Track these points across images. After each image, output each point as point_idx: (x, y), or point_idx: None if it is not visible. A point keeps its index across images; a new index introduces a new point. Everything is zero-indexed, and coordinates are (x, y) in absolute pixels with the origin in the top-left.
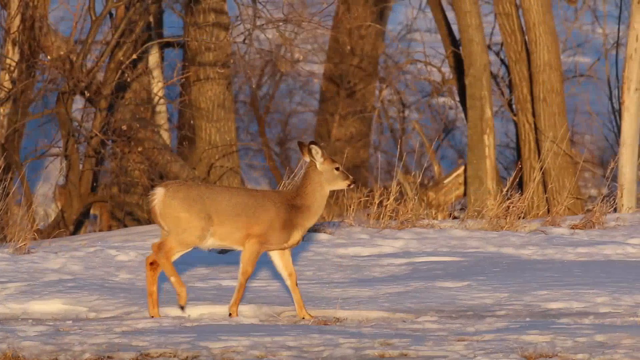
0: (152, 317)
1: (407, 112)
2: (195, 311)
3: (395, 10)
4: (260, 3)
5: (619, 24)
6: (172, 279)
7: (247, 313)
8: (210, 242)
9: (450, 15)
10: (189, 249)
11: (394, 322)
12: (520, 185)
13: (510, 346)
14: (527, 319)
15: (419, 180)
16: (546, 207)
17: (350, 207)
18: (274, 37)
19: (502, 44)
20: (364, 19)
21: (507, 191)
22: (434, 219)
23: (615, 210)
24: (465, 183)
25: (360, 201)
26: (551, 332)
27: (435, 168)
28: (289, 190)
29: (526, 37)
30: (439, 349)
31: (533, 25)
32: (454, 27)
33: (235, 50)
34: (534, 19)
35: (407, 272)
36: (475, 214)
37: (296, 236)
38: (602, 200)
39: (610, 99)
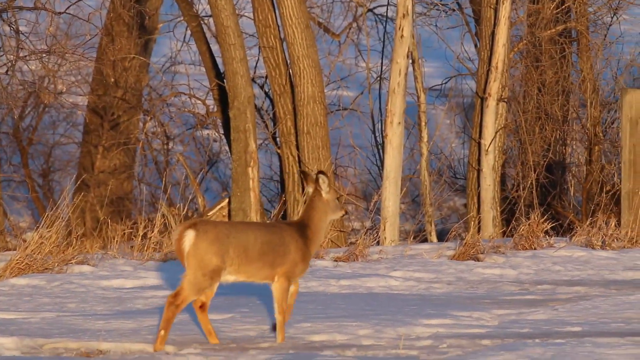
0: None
1: (171, 145)
2: None
3: (159, 42)
4: (23, 34)
5: (382, 58)
6: (163, 332)
7: (9, 345)
8: (233, 279)
9: (215, 47)
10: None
11: (157, 354)
12: (284, 218)
13: None
14: (291, 351)
15: (183, 212)
16: None
17: (114, 239)
18: (37, 68)
19: (266, 77)
20: (128, 51)
21: None
22: None
23: (378, 243)
24: (229, 215)
25: (124, 233)
26: None
27: (200, 200)
28: (297, 221)
29: (290, 71)
30: None
31: (297, 58)
32: (219, 60)
33: None
34: (298, 53)
35: None
36: None
37: (308, 265)
38: (366, 233)
39: (374, 132)
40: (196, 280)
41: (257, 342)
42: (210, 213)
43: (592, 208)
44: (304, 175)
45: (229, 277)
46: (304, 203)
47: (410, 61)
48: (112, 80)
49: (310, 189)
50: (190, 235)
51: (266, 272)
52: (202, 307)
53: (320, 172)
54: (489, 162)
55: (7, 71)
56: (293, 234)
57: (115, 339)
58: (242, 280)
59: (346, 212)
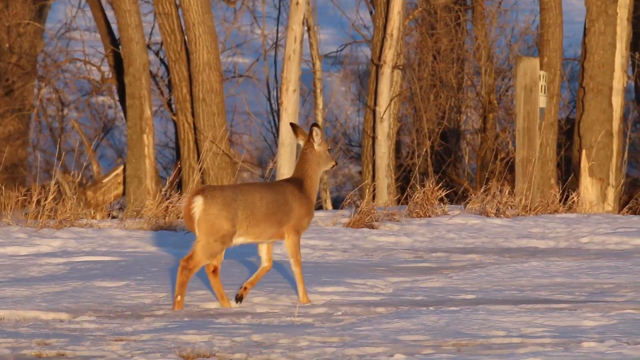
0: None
1: (66, 111)
2: None
3: (54, 8)
4: None
5: (277, 25)
6: (179, 298)
7: None
8: (241, 241)
9: (110, 14)
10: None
11: (51, 322)
12: (179, 185)
13: (168, 346)
14: (186, 319)
15: (78, 179)
16: None
17: (7, 205)
18: None
19: (162, 44)
20: (22, 17)
21: (166, 191)
22: (92, 218)
23: None
24: (124, 182)
25: (18, 200)
26: (209, 332)
27: (94, 167)
28: (293, 178)
29: (186, 37)
30: (96, 349)
31: (192, 25)
32: (114, 26)
33: None
34: (193, 19)
35: (65, 271)
36: (135, 213)
37: (313, 215)
38: None
39: (269, 99)
40: (208, 245)
41: (152, 309)
42: (105, 180)
43: (487, 176)
44: (293, 128)
45: (237, 240)
46: (298, 157)
47: (306, 28)
48: (7, 45)
49: (301, 142)
50: (199, 202)
51: (273, 230)
52: (215, 271)
53: (315, 124)
54: (384, 130)
55: None
56: (294, 190)
57: (10, 306)
58: (250, 241)
59: (336, 163)
